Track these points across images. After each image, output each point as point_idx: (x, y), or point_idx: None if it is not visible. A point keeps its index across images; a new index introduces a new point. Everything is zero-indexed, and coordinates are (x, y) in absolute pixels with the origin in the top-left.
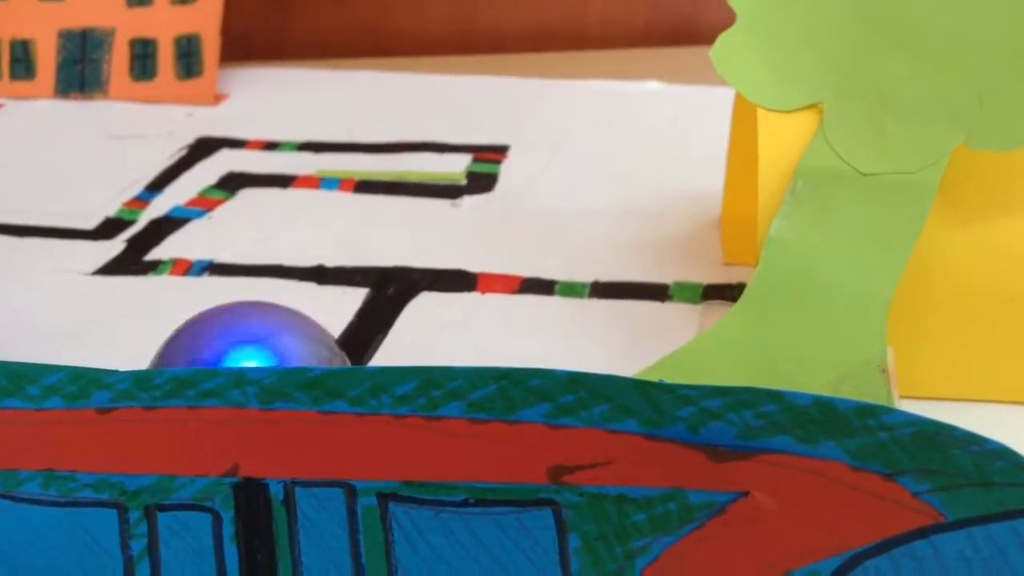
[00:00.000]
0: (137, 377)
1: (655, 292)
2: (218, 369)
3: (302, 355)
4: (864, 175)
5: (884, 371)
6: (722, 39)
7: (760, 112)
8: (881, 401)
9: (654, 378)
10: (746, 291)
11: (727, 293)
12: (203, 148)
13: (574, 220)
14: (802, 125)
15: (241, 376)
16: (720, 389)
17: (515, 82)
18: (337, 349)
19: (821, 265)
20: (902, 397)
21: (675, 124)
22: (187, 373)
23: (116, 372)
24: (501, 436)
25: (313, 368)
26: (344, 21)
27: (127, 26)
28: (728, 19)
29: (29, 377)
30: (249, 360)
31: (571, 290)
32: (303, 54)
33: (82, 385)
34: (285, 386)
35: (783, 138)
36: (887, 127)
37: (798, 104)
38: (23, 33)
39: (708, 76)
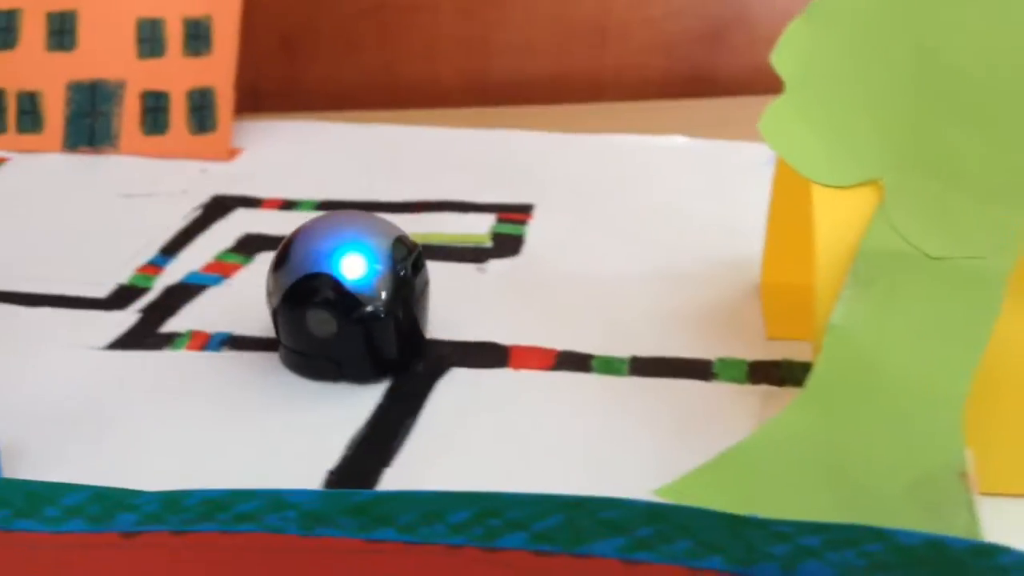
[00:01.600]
0: (166, 499)
1: (698, 370)
2: (256, 492)
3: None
4: (931, 258)
5: (963, 476)
6: (771, 109)
7: (815, 188)
8: (960, 509)
9: (710, 476)
10: (808, 382)
11: (773, 373)
12: (218, 207)
13: (606, 287)
14: (860, 202)
15: (280, 499)
16: (818, 525)
17: (536, 136)
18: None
19: (888, 356)
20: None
21: (704, 181)
22: (221, 495)
23: (143, 493)
24: (569, 570)
25: (359, 492)
26: (356, 71)
27: (138, 78)
28: (745, 68)
29: (47, 497)
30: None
31: (609, 366)
32: (314, 105)
33: (106, 506)
34: (329, 511)
35: (841, 216)
36: (953, 206)
37: (855, 180)
38: (31, 84)
39: (732, 130)
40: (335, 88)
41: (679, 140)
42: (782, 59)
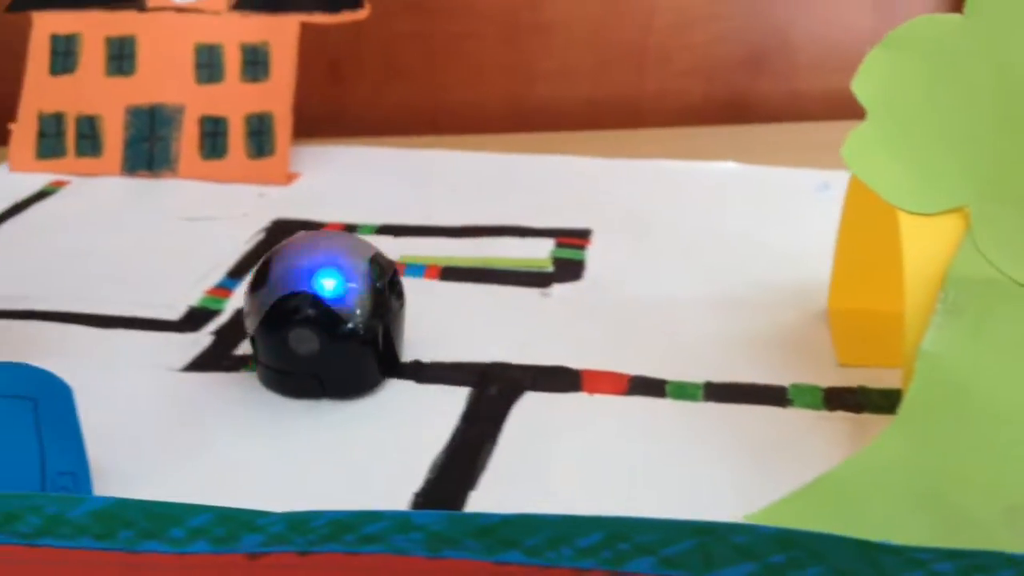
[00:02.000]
0: (291, 519)
1: (773, 396)
2: (382, 513)
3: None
4: (1021, 285)
5: None
6: (854, 135)
7: (902, 215)
8: None
9: (803, 503)
10: (901, 409)
11: (849, 399)
12: (280, 230)
13: (671, 311)
14: (947, 229)
15: (407, 521)
16: (952, 552)
17: (588, 161)
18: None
19: (982, 381)
20: None
21: (758, 207)
22: (347, 516)
23: (269, 514)
24: None
25: (485, 514)
26: (400, 97)
27: (197, 103)
28: (785, 94)
29: (173, 518)
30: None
31: (683, 392)
32: (358, 130)
33: (231, 528)
34: (455, 533)
35: (928, 242)
36: None
37: (941, 207)
38: (90, 109)
39: (774, 156)
40: (379, 114)
41: (730, 166)
42: (863, 86)
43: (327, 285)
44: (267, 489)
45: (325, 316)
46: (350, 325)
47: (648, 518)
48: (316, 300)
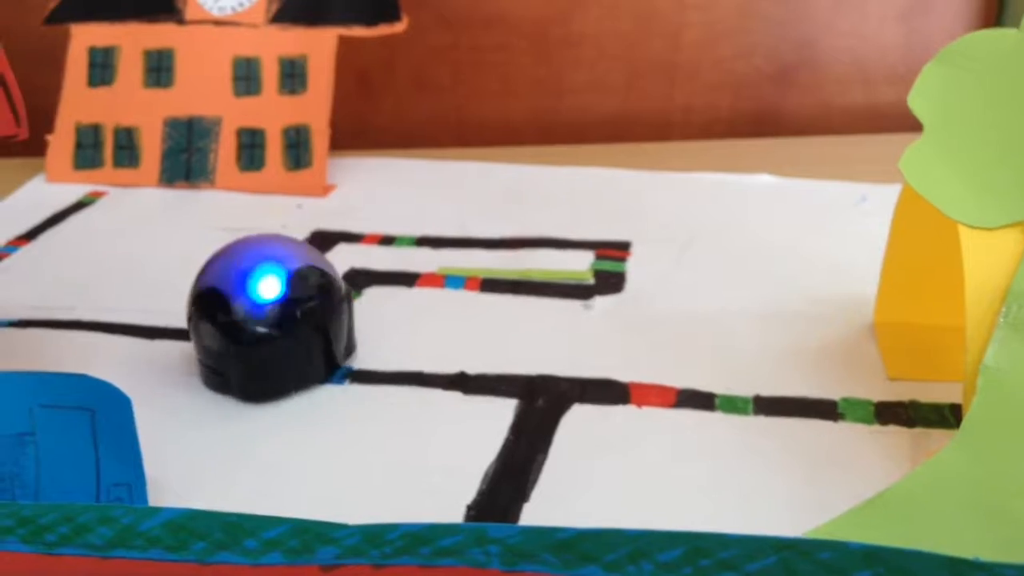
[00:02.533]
0: (367, 532)
1: (824, 410)
2: (458, 526)
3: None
4: None
5: None
6: (911, 150)
7: (963, 230)
8: None
9: (866, 519)
10: (964, 423)
11: (901, 414)
12: (320, 242)
13: (715, 324)
14: (1009, 243)
15: (483, 534)
16: None
17: (624, 174)
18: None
19: None
20: None
21: (797, 220)
22: (423, 528)
23: (344, 526)
24: None
25: (565, 528)
26: (429, 109)
27: (234, 115)
28: (812, 108)
29: (247, 529)
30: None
31: (733, 405)
32: (387, 142)
33: (306, 540)
34: (532, 547)
35: (989, 257)
36: None
37: (1003, 222)
38: (128, 120)
39: (804, 169)
40: (408, 126)
41: (766, 178)
42: (919, 101)
43: (249, 287)
44: (327, 502)
45: (235, 317)
46: (259, 330)
47: (729, 534)
48: (227, 301)
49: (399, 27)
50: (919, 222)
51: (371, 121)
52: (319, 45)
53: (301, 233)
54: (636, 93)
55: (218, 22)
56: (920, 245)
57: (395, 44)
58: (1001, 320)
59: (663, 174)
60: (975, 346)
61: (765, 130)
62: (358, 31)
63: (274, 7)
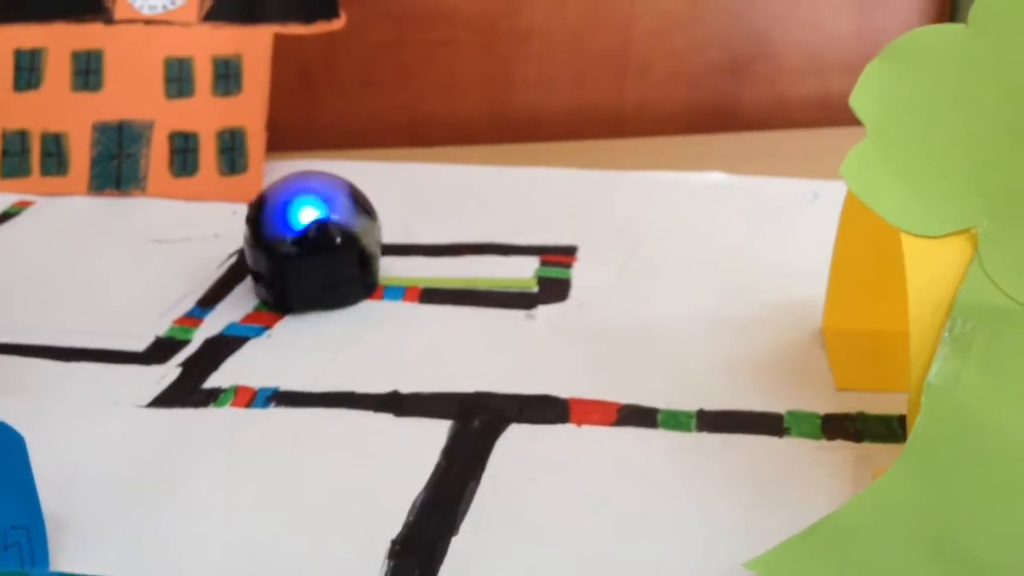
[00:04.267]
0: None
1: (769, 424)
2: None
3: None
4: None
5: None
6: (853, 153)
7: (906, 238)
8: None
9: (806, 547)
10: (907, 446)
11: (848, 427)
12: None
13: (662, 333)
14: (954, 252)
15: None
16: None
17: (571, 173)
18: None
19: (994, 415)
20: None
21: (747, 219)
22: None
23: None
24: None
25: None
26: (375, 107)
27: (166, 119)
28: (768, 101)
29: None
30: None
31: (676, 421)
32: (332, 142)
33: None
34: None
35: (934, 267)
36: None
37: (947, 229)
38: (55, 126)
39: (759, 165)
40: (355, 125)
41: (717, 176)
42: (862, 102)
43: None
44: (237, 534)
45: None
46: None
47: None
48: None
49: (337, 24)
50: (866, 223)
51: (316, 121)
52: (254, 44)
53: (233, 242)
54: (588, 88)
55: (149, 21)
56: (867, 247)
57: (339, 41)
58: (946, 335)
59: (612, 173)
60: (919, 361)
61: (720, 124)
62: (295, 29)
63: (207, 5)
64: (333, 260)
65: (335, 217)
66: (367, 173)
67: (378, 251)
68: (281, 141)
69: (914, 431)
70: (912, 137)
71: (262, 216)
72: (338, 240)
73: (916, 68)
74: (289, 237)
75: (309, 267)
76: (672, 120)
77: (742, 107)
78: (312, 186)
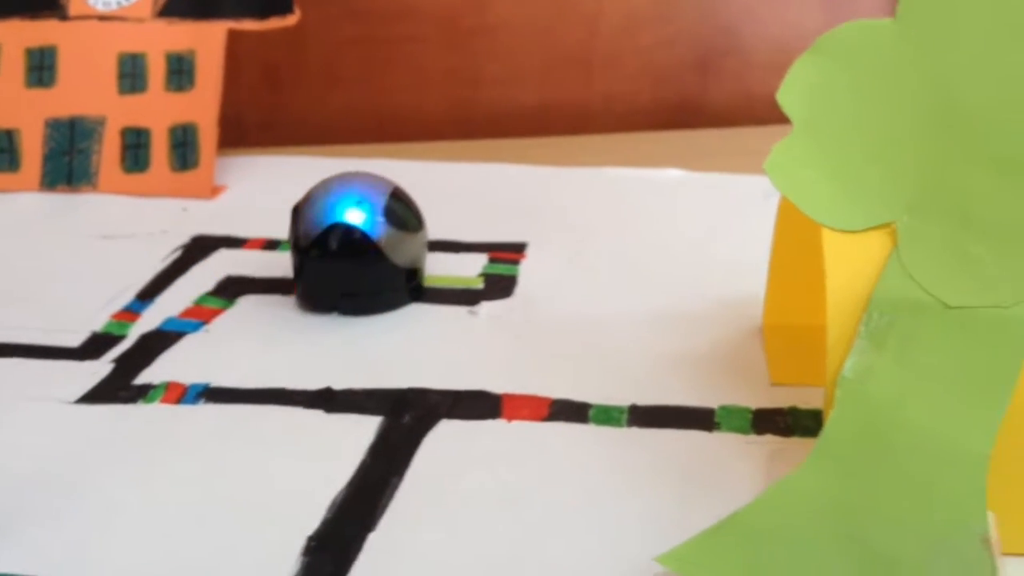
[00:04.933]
0: None
1: (700, 419)
2: None
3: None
4: (949, 308)
5: (987, 541)
6: (777, 149)
7: (826, 233)
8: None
9: (716, 542)
10: (820, 439)
11: (779, 420)
12: (199, 248)
13: (603, 329)
14: (874, 247)
15: None
16: None
17: (528, 170)
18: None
19: (906, 411)
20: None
21: (702, 216)
22: None
23: None
24: None
25: None
26: (341, 103)
27: (119, 114)
28: (736, 97)
29: None
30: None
31: (607, 416)
32: (298, 137)
33: None
34: None
35: (853, 262)
36: (972, 252)
37: (867, 224)
38: (7, 122)
39: (724, 161)
40: (320, 120)
41: (674, 173)
42: (789, 97)
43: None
44: (151, 532)
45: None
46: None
47: None
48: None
49: (291, 19)
50: (801, 219)
51: (281, 117)
52: (208, 39)
53: (181, 239)
54: (554, 83)
55: (103, 17)
56: (802, 243)
57: (304, 37)
58: (862, 329)
59: (568, 169)
60: (835, 356)
61: (688, 120)
62: (249, 24)
63: (161, 1)
64: (346, 265)
65: (357, 223)
66: (323, 169)
67: (413, 262)
68: (247, 137)
69: (826, 425)
70: (837, 132)
71: (301, 208)
72: (346, 247)
73: (843, 63)
74: (312, 235)
75: (323, 269)
76: (639, 116)
77: (709, 103)
78: (353, 188)
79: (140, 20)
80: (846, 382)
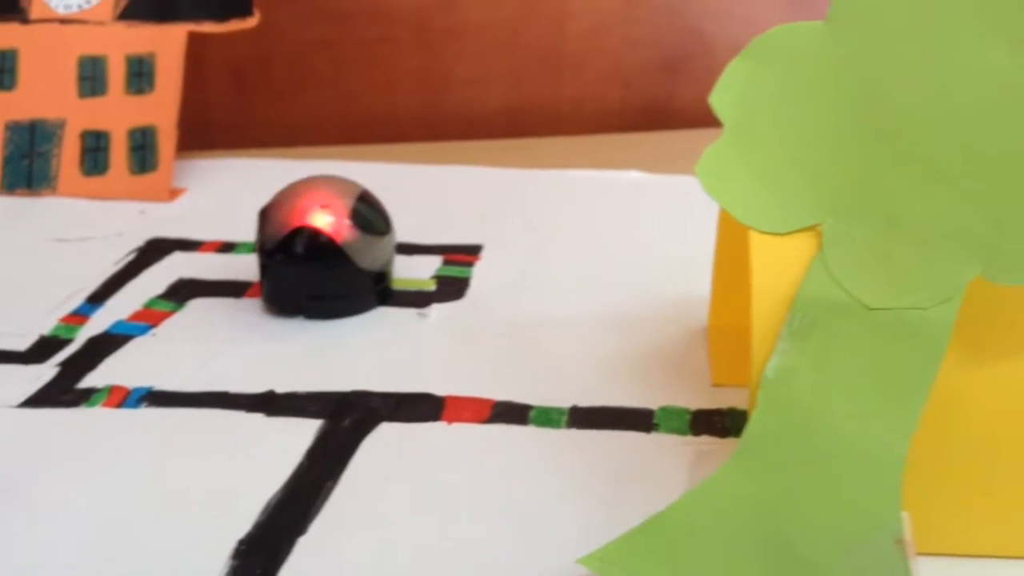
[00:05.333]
0: None
1: (639, 420)
2: None
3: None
4: (870, 309)
5: (901, 542)
6: (708, 152)
7: (753, 235)
8: None
9: (638, 543)
10: (742, 441)
11: (716, 421)
12: (154, 251)
13: (552, 331)
14: (800, 249)
15: None
16: None
17: (487, 172)
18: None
19: (825, 412)
20: (919, 554)
21: (658, 219)
22: None
23: None
24: None
25: None
26: (310, 105)
27: (79, 118)
28: (704, 98)
29: None
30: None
31: (547, 418)
32: (267, 140)
33: None
34: None
35: (779, 264)
36: (894, 254)
37: (794, 226)
38: None
39: (691, 163)
40: (289, 122)
41: (633, 175)
42: (721, 101)
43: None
44: (83, 536)
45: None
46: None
47: None
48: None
49: (251, 22)
50: (740, 225)
51: (249, 119)
52: (168, 42)
53: (136, 242)
54: (523, 85)
55: (64, 20)
56: (741, 245)
57: (271, 39)
58: (785, 330)
59: (529, 172)
60: (760, 356)
61: (657, 122)
62: (209, 27)
63: (122, 4)
64: (305, 268)
65: (323, 227)
66: (285, 172)
67: (380, 265)
68: (215, 139)
69: (748, 427)
70: (767, 135)
71: (267, 211)
72: (311, 251)
73: (775, 66)
74: (278, 237)
75: (288, 272)
76: (609, 118)
77: (678, 105)
78: (320, 192)
79: (101, 23)
80: (768, 383)
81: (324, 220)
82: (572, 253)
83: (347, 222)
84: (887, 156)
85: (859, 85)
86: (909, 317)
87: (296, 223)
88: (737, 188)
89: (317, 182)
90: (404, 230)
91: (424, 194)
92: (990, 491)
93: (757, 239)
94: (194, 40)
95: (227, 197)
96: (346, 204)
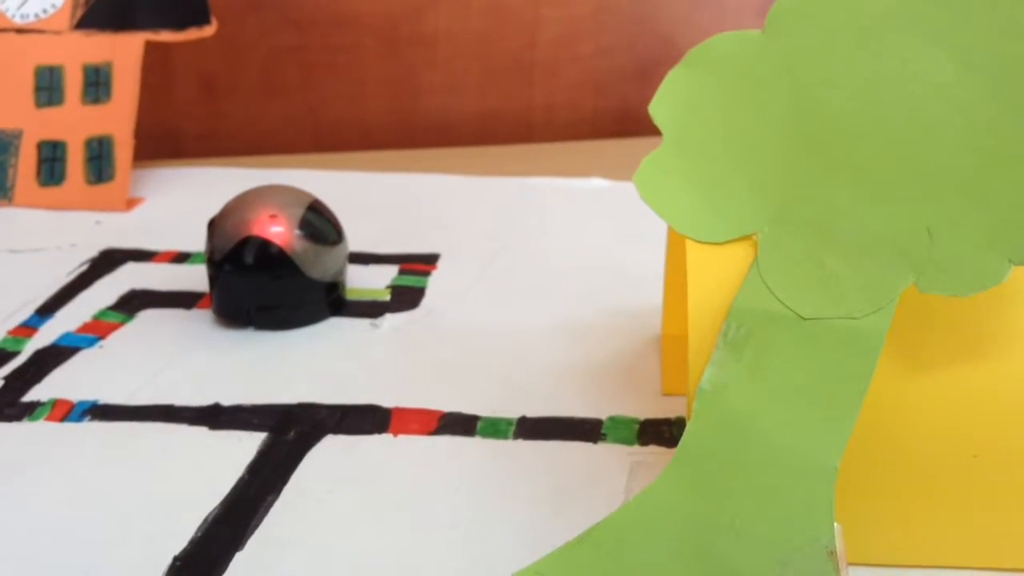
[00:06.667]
0: None
1: (587, 430)
2: None
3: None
4: (804, 319)
5: (832, 554)
6: (647, 162)
7: (689, 244)
8: None
9: (574, 556)
10: (677, 452)
11: (664, 431)
12: (107, 262)
13: (504, 340)
14: (736, 259)
15: None
16: None
17: (450, 180)
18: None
19: (759, 423)
20: (852, 564)
21: (617, 227)
22: None
23: None
24: None
25: None
26: (279, 113)
27: (35, 128)
28: None
29: None
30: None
31: (494, 429)
32: (236, 148)
33: None
34: None
35: (715, 273)
36: (827, 264)
37: (730, 236)
38: None
39: None
40: (258, 130)
41: (596, 182)
42: (660, 110)
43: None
44: (23, 552)
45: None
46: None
47: None
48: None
49: (209, 30)
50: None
51: (218, 127)
52: (125, 51)
53: (90, 252)
54: (494, 93)
55: (20, 30)
56: (684, 261)
57: (241, 46)
58: (720, 340)
59: (487, 180)
60: (696, 367)
61: (629, 128)
62: (166, 35)
63: (79, 13)
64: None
65: (271, 237)
66: (246, 180)
67: (331, 275)
68: (184, 148)
69: (683, 437)
70: (705, 144)
71: (216, 221)
72: (260, 261)
73: (713, 75)
74: (226, 248)
75: (237, 283)
76: (581, 125)
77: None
78: (269, 201)
79: (57, 32)
80: (703, 394)
81: (273, 230)
82: (528, 261)
83: (296, 232)
84: (821, 165)
85: (794, 94)
86: (841, 327)
87: (245, 233)
88: (674, 197)
89: (267, 191)
90: (363, 239)
91: (386, 202)
92: (923, 501)
93: (694, 248)
94: (162, 49)
95: (185, 206)
96: (295, 214)
